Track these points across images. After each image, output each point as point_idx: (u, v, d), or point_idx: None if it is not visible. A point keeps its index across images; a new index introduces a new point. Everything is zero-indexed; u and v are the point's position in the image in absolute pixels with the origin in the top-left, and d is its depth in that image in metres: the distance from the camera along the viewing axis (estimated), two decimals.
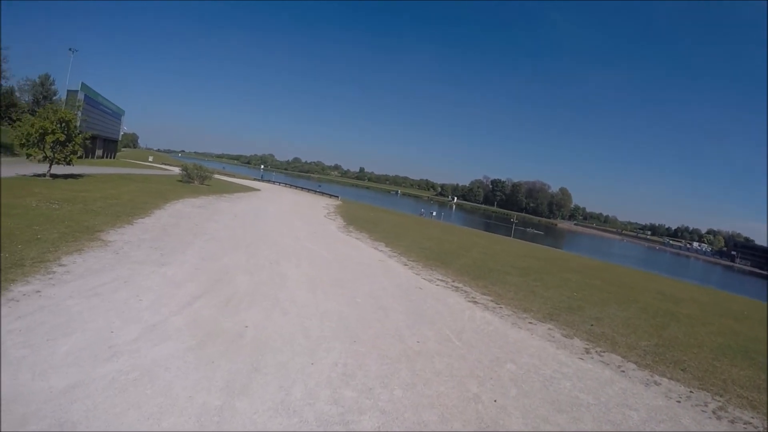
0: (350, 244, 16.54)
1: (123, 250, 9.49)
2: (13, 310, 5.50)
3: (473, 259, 16.28)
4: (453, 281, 11.51)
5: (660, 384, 6.28)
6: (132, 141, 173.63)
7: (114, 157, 65.36)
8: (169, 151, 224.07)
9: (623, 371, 6.57)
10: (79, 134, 24.56)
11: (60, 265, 7.67)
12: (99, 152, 55.85)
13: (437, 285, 10.88)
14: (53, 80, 51.57)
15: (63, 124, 22.70)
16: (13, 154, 23.95)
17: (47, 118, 22.53)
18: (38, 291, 6.30)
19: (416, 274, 12.00)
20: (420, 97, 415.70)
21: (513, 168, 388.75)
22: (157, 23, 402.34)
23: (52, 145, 22.44)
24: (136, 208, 15.78)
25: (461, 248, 19.62)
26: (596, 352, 7.28)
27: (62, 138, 22.55)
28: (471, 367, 5.92)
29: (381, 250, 15.53)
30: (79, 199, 16.07)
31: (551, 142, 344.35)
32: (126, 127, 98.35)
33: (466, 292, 10.46)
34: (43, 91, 53.55)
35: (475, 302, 9.56)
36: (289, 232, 16.78)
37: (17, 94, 49.77)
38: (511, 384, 5.59)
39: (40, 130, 21.90)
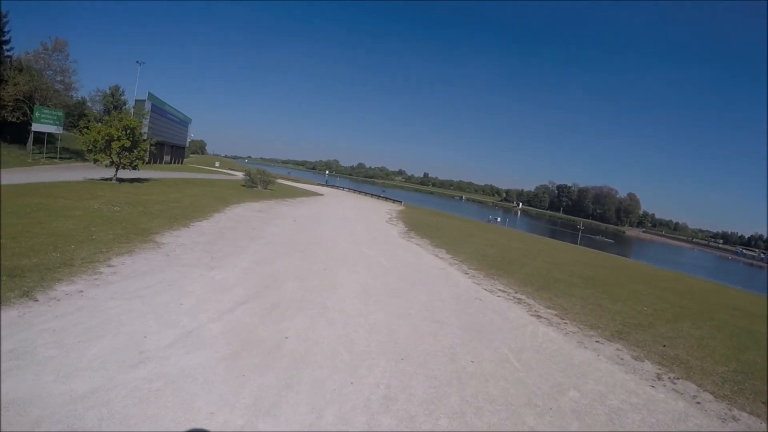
0: (410, 250, 16.54)
1: (174, 252, 9.94)
2: (52, 309, 5.84)
3: (537, 268, 16.16)
4: (515, 292, 11.31)
5: (739, 420, 5.82)
6: (200, 148, 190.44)
7: (181, 163, 71.19)
8: (235, 157, 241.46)
9: (698, 402, 6.14)
10: (144, 140, 26.92)
11: (108, 266, 8.14)
12: (167, 158, 61.24)
13: (498, 296, 10.66)
14: (123, 91, 57.41)
15: (128, 131, 25.11)
16: (84, 160, 26.77)
17: (113, 126, 24.98)
18: (81, 291, 6.68)
19: (477, 283, 11.85)
20: (484, 101, 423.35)
21: (580, 172, 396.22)
22: (223, 34, 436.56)
23: (118, 150, 24.79)
24: (195, 212, 16.73)
25: (525, 256, 19.66)
26: (669, 378, 6.86)
27: (127, 144, 24.95)
28: (529, 395, 5.47)
29: (442, 257, 15.57)
30: (141, 202, 17.39)
31: (619, 145, 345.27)
32: (193, 135, 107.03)
33: (528, 304, 10.20)
34: (114, 101, 59.80)
35: (538, 316, 9.25)
36: (348, 237, 17.04)
37: (89, 104, 55.94)
38: (573, 416, 5.09)
39: (107, 137, 24.36)
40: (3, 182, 19.62)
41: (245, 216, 18.39)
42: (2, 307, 5.59)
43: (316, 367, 5.18)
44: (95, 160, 26.20)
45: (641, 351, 7.79)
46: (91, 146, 24.87)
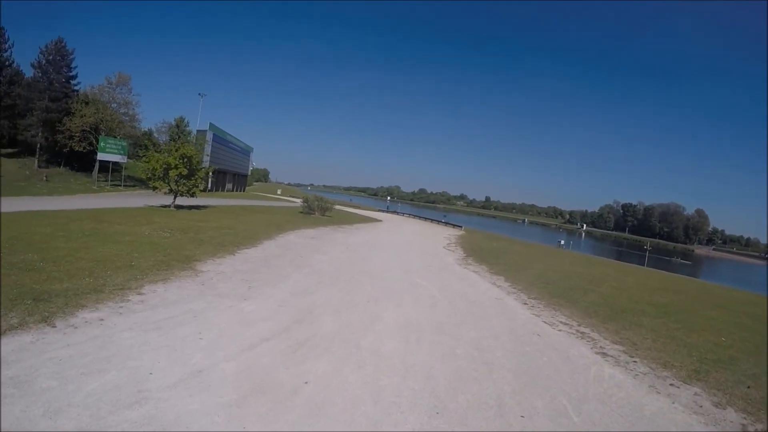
0: (466, 278, 15.69)
1: (211, 281, 9.81)
2: (66, 337, 5.77)
3: (603, 295, 15.24)
4: (579, 325, 10.43)
5: None
6: (264, 176, 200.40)
7: (243, 191, 74.45)
8: (298, 185, 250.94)
9: None
10: (201, 169, 28.13)
11: (138, 294, 8.08)
12: (229, 186, 64.23)
13: (559, 330, 9.75)
14: (187, 122, 61.26)
15: (185, 160, 26.27)
16: (147, 187, 28.47)
17: (171, 155, 26.33)
18: (102, 319, 6.56)
19: (536, 315, 10.99)
20: (544, 123, 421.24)
21: (645, 190, 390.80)
22: (284, 64, 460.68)
23: (176, 178, 26.00)
24: (246, 239, 16.87)
25: (590, 282, 18.61)
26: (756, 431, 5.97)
27: (185, 172, 26.12)
28: None
29: (499, 286, 14.72)
30: (193, 228, 17.84)
31: (685, 159, 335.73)
32: (255, 163, 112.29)
33: (593, 339, 9.30)
34: (179, 132, 64.09)
35: (604, 354, 8.32)
36: (400, 265, 16.39)
37: (155, 135, 60.15)
38: None
39: (165, 165, 25.65)
40: (67, 207, 21.08)
41: (296, 243, 18.32)
42: (19, 331, 5.65)
43: (330, 421, 4.49)
44: (154, 188, 27.68)
45: (723, 395, 6.85)
46: (150, 174, 26.36)
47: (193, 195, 28.26)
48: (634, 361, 7.97)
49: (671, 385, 6.98)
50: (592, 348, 8.53)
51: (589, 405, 5.79)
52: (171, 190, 27.17)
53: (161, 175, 26.27)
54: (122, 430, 3.99)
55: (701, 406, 6.25)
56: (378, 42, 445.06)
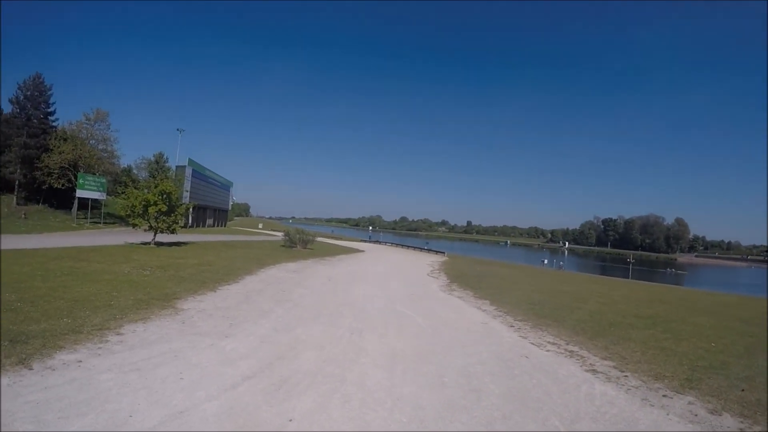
0: (451, 305, 15.62)
1: (192, 319, 9.65)
2: (44, 380, 5.61)
3: (590, 311, 15.32)
4: (567, 343, 10.36)
5: None
6: (245, 210, 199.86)
7: (224, 226, 73.79)
8: (280, 218, 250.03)
9: None
10: (181, 205, 27.95)
11: (117, 334, 7.92)
12: (209, 221, 63.63)
13: (547, 351, 9.66)
14: (167, 158, 61.29)
15: (165, 196, 26.11)
16: (127, 224, 28.19)
17: (150, 191, 26.17)
18: (80, 361, 6.41)
19: (523, 337, 10.93)
20: (522, 145, 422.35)
21: (624, 204, 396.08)
22: (260, 96, 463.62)
23: (155, 215, 25.76)
24: (227, 275, 16.68)
25: (576, 299, 18.85)
26: None
27: (164, 208, 25.93)
28: None
29: (484, 310, 14.65)
30: (174, 265, 17.61)
31: (661, 170, 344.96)
32: (236, 198, 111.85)
33: (582, 357, 9.24)
34: (158, 168, 63.91)
35: (594, 371, 8.24)
36: (383, 295, 16.25)
37: (135, 171, 59.76)
38: None
39: (144, 202, 25.44)
40: (45, 245, 20.70)
41: (278, 277, 18.15)
42: None
43: None
44: (134, 225, 27.37)
45: (717, 401, 6.85)
46: (129, 211, 26.09)
47: (173, 231, 27.96)
48: (625, 376, 7.96)
49: (664, 396, 6.99)
50: (581, 366, 8.50)
51: (582, 424, 5.77)
52: (151, 227, 26.89)
53: (141, 212, 26.02)
54: None
55: (696, 415, 6.26)
56: (355, 73, 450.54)
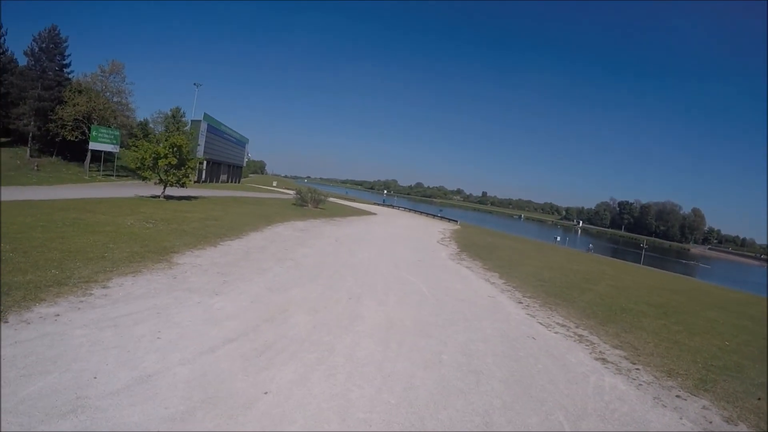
0: (458, 274, 15.06)
1: (185, 274, 9.24)
2: (17, 333, 5.28)
3: (601, 294, 14.65)
4: (576, 326, 9.77)
5: None
6: (260, 168, 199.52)
7: (239, 182, 73.63)
8: (295, 177, 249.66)
9: None
10: (191, 159, 27.44)
11: (103, 287, 7.52)
12: (223, 177, 63.42)
13: (556, 332, 9.08)
14: (183, 112, 60.22)
15: (175, 149, 25.54)
16: (140, 177, 27.80)
17: (161, 144, 25.64)
18: (58, 315, 6.03)
19: (531, 315, 10.32)
20: (543, 120, 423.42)
21: (642, 188, 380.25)
22: (281, 57, 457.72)
23: (165, 168, 25.32)
24: (231, 230, 16.29)
25: (587, 280, 18.11)
26: None
27: (174, 162, 25.39)
28: None
29: (493, 283, 14.08)
30: (179, 219, 17.26)
31: (683, 158, 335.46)
32: (251, 155, 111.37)
33: (592, 343, 8.65)
34: (174, 122, 63.08)
35: (604, 360, 7.68)
36: (389, 260, 15.72)
37: (151, 125, 59.21)
38: None
39: (154, 155, 24.92)
40: (54, 197, 20.45)
41: (283, 235, 17.74)
42: None
43: None
44: (143, 178, 27.03)
45: (733, 408, 6.24)
46: (139, 163, 25.67)
47: (183, 185, 27.62)
48: (637, 369, 7.39)
49: (677, 396, 6.41)
50: (591, 353, 7.92)
51: (589, 422, 5.20)
52: (161, 180, 26.56)
53: (151, 165, 25.61)
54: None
55: (711, 422, 5.69)
56: (377, 36, 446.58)
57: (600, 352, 8.06)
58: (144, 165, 25.72)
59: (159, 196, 25.83)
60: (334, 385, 5.11)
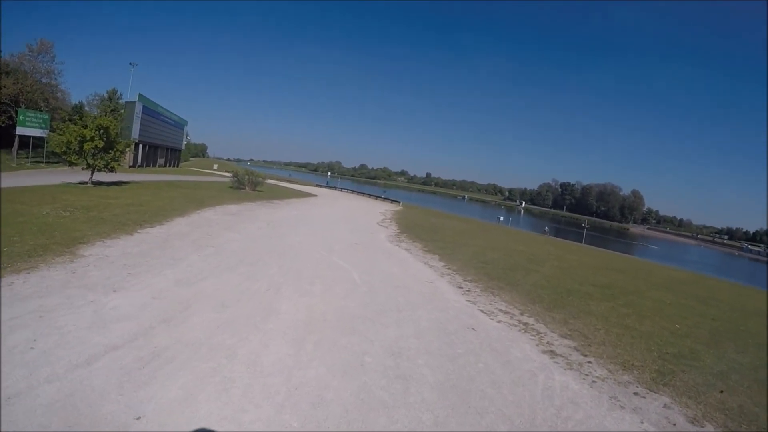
0: (396, 257, 14.13)
1: (86, 268, 7.97)
2: None
3: (546, 276, 13.84)
4: (521, 313, 8.93)
5: None
6: (201, 151, 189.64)
7: (177, 166, 69.36)
8: (238, 160, 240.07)
9: None
10: (120, 142, 25.02)
11: None
12: (161, 161, 59.36)
13: (499, 321, 8.20)
14: (120, 94, 55.48)
15: (101, 131, 23.10)
16: (68, 163, 25.10)
17: (86, 126, 23.10)
18: None
19: (472, 302, 9.41)
20: (486, 101, 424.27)
21: (583, 170, 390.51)
22: (221, 35, 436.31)
23: (92, 152, 22.90)
24: (155, 216, 14.82)
25: (531, 261, 17.31)
26: None
27: (101, 145, 22.97)
28: None
29: (432, 266, 13.12)
30: (101, 206, 15.54)
31: (622, 142, 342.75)
32: (191, 138, 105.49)
33: (538, 333, 7.81)
34: (111, 105, 58.03)
35: (553, 353, 6.86)
36: (323, 244, 14.65)
37: (86, 108, 54.27)
38: None
39: (79, 138, 22.41)
40: None
41: (211, 220, 16.38)
42: None
43: None
44: (70, 163, 24.40)
45: (696, 404, 5.58)
46: (65, 148, 23.05)
47: (112, 170, 25.15)
48: (589, 362, 6.62)
49: (635, 394, 5.66)
50: (537, 345, 7.10)
51: None
52: (88, 165, 24.07)
53: (77, 149, 23.07)
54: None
55: (674, 424, 5.01)
56: (316, 10, 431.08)
57: (547, 342, 7.29)
58: (70, 149, 23.15)
59: (87, 183, 23.45)
60: (226, 405, 4.14)
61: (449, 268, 12.99)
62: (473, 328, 7.56)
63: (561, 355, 6.78)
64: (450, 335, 7.03)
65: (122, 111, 49.50)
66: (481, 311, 8.75)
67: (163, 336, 5.42)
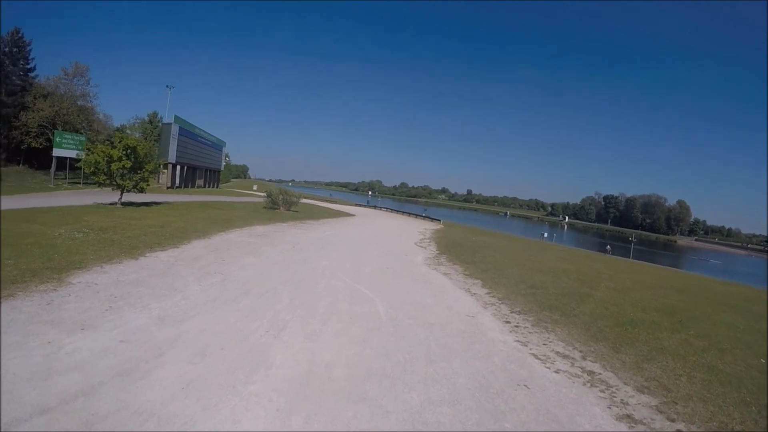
0: (433, 284, 12.59)
1: (66, 298, 7.16)
2: None
3: (602, 301, 12.30)
4: (583, 356, 7.37)
5: None
6: (242, 172, 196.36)
7: (216, 187, 70.90)
8: (280, 181, 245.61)
9: None
10: (150, 162, 25.20)
11: None
12: (200, 182, 60.75)
13: (557, 371, 6.61)
14: (161, 117, 57.65)
15: (128, 151, 23.26)
16: (97, 184, 25.59)
17: (114, 146, 23.36)
18: None
19: (522, 343, 7.86)
20: (524, 113, 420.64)
21: (626, 182, 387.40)
22: (262, 61, 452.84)
23: (119, 172, 23.07)
24: (172, 238, 14.23)
25: (583, 283, 15.67)
26: None
27: (128, 165, 23.10)
28: None
29: (474, 294, 11.69)
30: (119, 227, 15.18)
31: (665, 150, 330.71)
32: (231, 159, 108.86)
33: (608, 385, 6.23)
34: (151, 128, 60.57)
35: (630, 419, 5.26)
36: (350, 269, 13.26)
37: (128, 131, 56.69)
38: None
39: (107, 158, 22.63)
40: (5, 207, 18.22)
41: (233, 242, 15.58)
42: None
43: None
44: (98, 183, 24.77)
45: None
46: (93, 168, 23.36)
47: (141, 190, 25.35)
48: None
49: None
50: (609, 406, 5.51)
51: None
52: (117, 186, 24.30)
53: (105, 170, 23.34)
54: None
55: None
56: (358, 35, 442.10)
57: (621, 402, 5.68)
58: (98, 169, 23.44)
59: (116, 203, 23.62)
60: None
61: (493, 296, 11.50)
62: (526, 385, 5.96)
63: (641, 422, 5.19)
64: (495, 398, 5.45)
65: (157, 133, 51.30)
66: (534, 356, 7.17)
67: (109, 398, 4.22)
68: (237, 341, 6.23)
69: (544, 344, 7.83)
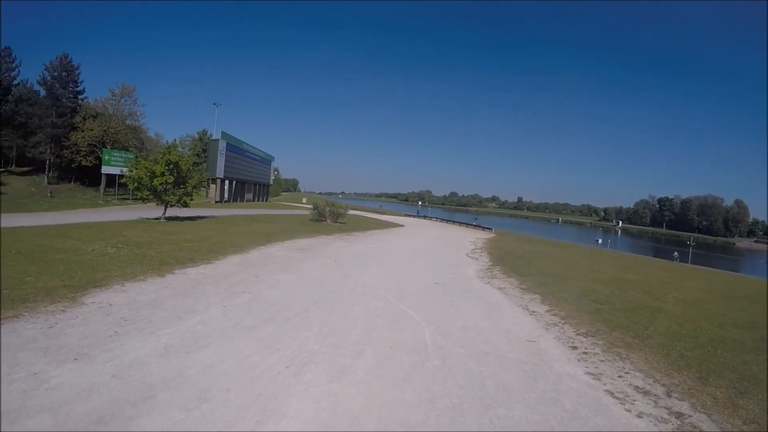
0: (486, 302, 11.28)
1: (71, 321, 6.69)
2: None
3: (675, 317, 10.90)
4: (667, 393, 6.04)
5: None
6: (292, 185, 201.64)
7: (266, 200, 72.28)
8: (329, 194, 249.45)
9: None
10: (193, 177, 25.46)
11: None
12: (249, 196, 62.08)
13: (640, 416, 5.30)
14: (210, 135, 59.48)
15: (171, 166, 23.52)
16: (140, 199, 26.23)
17: (156, 162, 23.74)
18: None
19: (594, 376, 6.53)
20: (572, 119, 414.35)
21: (680, 183, 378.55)
22: (309, 75, 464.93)
23: (162, 187, 23.34)
24: (207, 253, 13.86)
25: (650, 295, 14.16)
26: None
27: (170, 180, 23.32)
28: None
29: (533, 312, 10.45)
30: (156, 242, 15.06)
31: (719, 147, 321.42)
32: (279, 172, 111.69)
33: None
34: (202, 145, 62.93)
35: None
36: (395, 285, 12.11)
37: (180, 149, 59.26)
38: None
39: (149, 173, 22.96)
40: (49, 222, 19.30)
41: (271, 257, 14.96)
42: None
43: None
44: (142, 199, 25.28)
45: None
46: (136, 183, 23.81)
47: (185, 205, 25.64)
48: None
49: None
50: None
51: None
52: (161, 201, 24.68)
53: (148, 185, 23.74)
54: None
55: None
56: (405, 47, 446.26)
57: None
58: (142, 185, 23.89)
59: (160, 218, 23.94)
60: None
61: (555, 314, 10.17)
62: None
63: None
64: None
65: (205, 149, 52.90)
66: (610, 394, 5.83)
67: None
68: (247, 381, 5.19)
69: (619, 376, 6.54)
